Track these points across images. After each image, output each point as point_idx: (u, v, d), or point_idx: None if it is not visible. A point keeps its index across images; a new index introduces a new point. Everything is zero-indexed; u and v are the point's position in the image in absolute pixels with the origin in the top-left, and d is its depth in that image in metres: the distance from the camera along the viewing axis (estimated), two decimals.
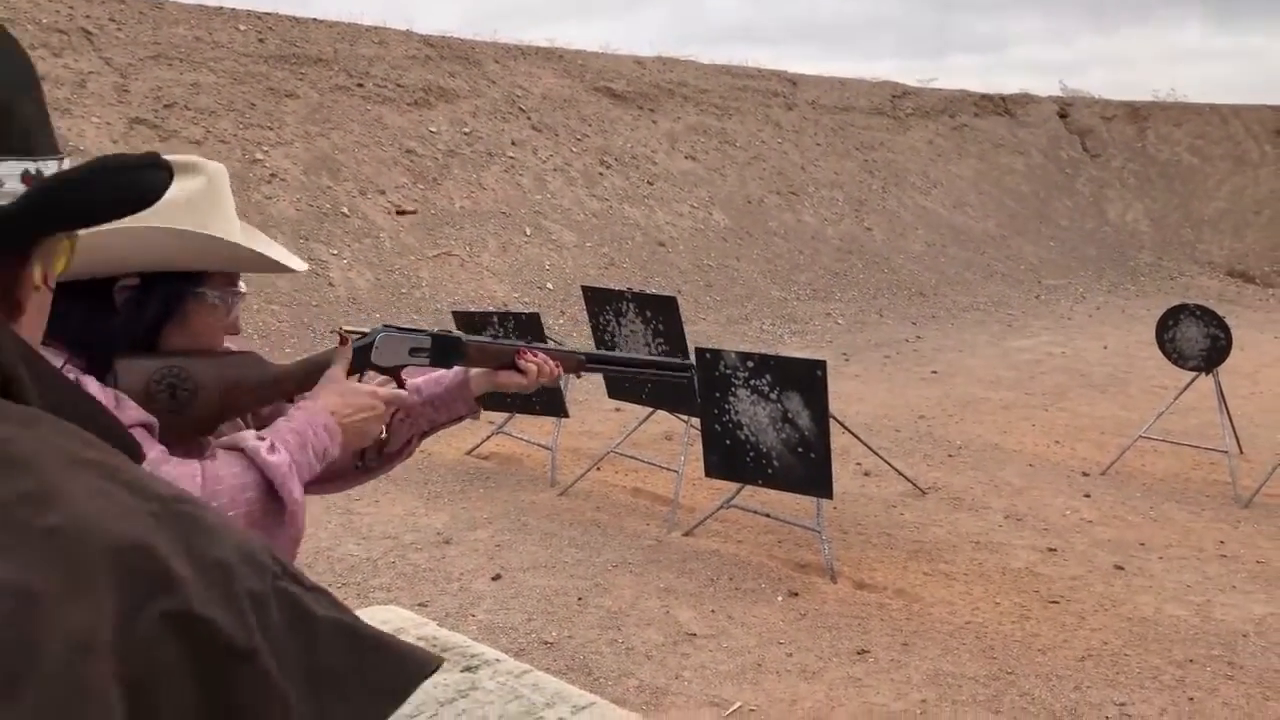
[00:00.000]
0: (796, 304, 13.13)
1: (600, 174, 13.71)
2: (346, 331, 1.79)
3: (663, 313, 5.77)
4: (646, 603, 4.87)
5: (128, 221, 1.23)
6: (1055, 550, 5.65)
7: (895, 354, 11.65)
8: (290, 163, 10.67)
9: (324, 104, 11.71)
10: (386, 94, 12.44)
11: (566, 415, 6.68)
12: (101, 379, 1.43)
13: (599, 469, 6.87)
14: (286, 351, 8.67)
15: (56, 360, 1.37)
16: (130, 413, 1.39)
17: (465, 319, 6.93)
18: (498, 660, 2.41)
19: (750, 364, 5.31)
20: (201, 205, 1.48)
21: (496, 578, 5.06)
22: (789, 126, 18.03)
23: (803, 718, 3.95)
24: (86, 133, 9.52)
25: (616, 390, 6.32)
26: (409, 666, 0.70)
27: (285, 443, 1.50)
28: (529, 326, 6.49)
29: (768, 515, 5.67)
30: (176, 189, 1.38)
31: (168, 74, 10.70)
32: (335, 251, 10.00)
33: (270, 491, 1.44)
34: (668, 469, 6.39)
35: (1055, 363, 11.35)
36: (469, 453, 7.16)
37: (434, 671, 0.72)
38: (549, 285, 11.25)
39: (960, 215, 18.55)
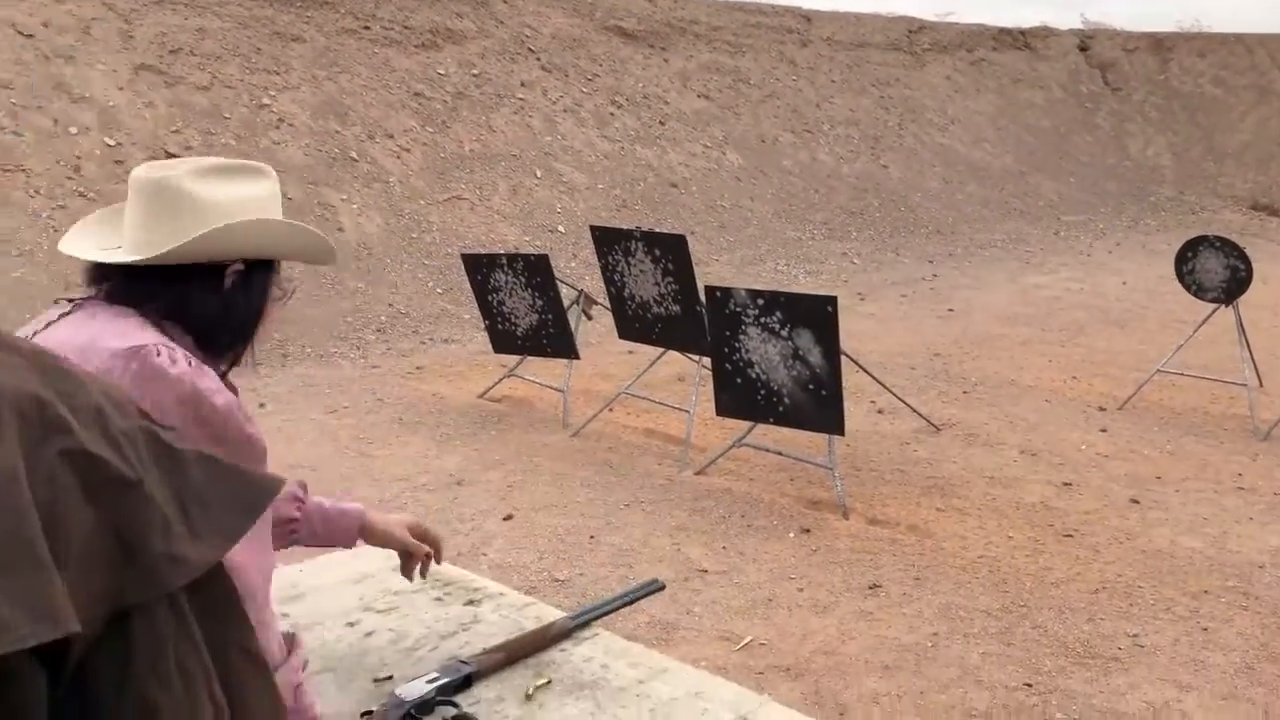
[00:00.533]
0: (811, 244, 13.01)
1: (611, 114, 13.55)
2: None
3: (672, 252, 5.71)
4: (658, 540, 4.87)
5: (254, 212, 1.54)
6: (1070, 485, 5.62)
7: (911, 292, 11.54)
8: (298, 108, 10.58)
9: (330, 47, 11.58)
10: (394, 36, 12.29)
11: (577, 357, 6.65)
12: (212, 358, 1.57)
13: (611, 410, 6.85)
14: (297, 297, 8.66)
15: (180, 344, 1.48)
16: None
17: (473, 261, 6.89)
18: (501, 594, 2.39)
19: (760, 302, 5.25)
20: (276, 202, 1.64)
21: (508, 518, 5.07)
22: (803, 64, 17.75)
23: (814, 650, 3.95)
24: (93, 80, 9.45)
25: (627, 331, 6.28)
26: (262, 486, 0.83)
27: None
28: (538, 268, 6.44)
29: (780, 453, 5.65)
30: (265, 188, 1.62)
31: (172, 19, 10.58)
32: (345, 196, 9.94)
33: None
34: (680, 409, 6.37)
35: (1073, 299, 11.23)
36: (481, 396, 7.15)
37: (279, 489, 0.85)
38: (560, 228, 11.17)
39: (978, 151, 18.29)
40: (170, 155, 9.22)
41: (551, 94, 13.16)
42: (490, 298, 6.79)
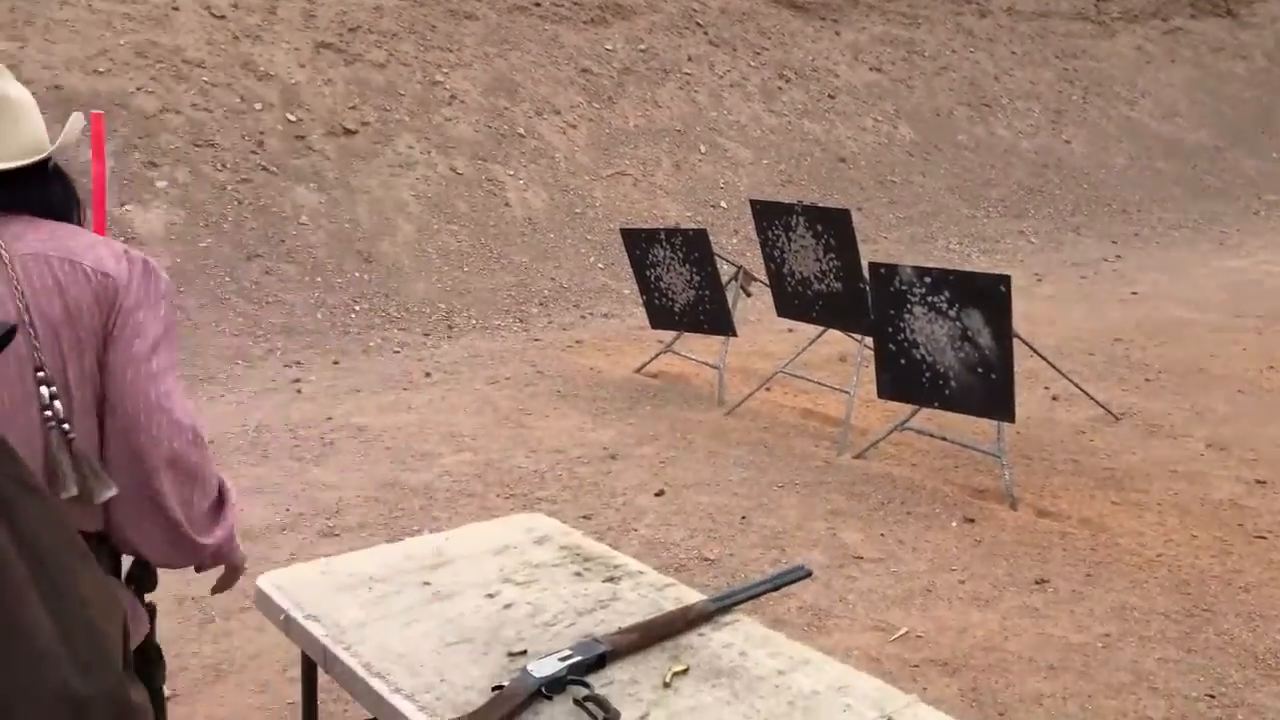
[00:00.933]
0: (986, 221, 12.51)
1: (779, 88, 13.31)
2: None
3: (834, 227, 5.54)
4: (812, 524, 4.74)
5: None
6: (1265, 483, 5.20)
7: (1093, 274, 10.96)
8: (469, 84, 10.77)
9: (502, 24, 11.74)
10: (563, 12, 12.37)
11: (734, 334, 6.55)
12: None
13: (768, 389, 6.72)
14: (464, 270, 8.83)
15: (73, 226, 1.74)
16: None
17: (632, 236, 6.85)
18: (640, 572, 2.33)
19: (928, 280, 5.03)
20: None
21: (660, 494, 5.02)
22: (982, 35, 17.03)
23: (973, 646, 3.76)
24: (276, 58, 9.83)
25: (786, 309, 6.14)
26: None
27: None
28: (696, 243, 6.36)
29: (944, 439, 5.42)
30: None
31: None
32: (512, 172, 10.07)
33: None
34: (839, 390, 6.19)
35: (1274, 283, 10.43)
36: (637, 371, 7.13)
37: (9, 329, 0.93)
38: (723, 204, 11.05)
39: (1170, 126, 17.20)
40: (348, 131, 9.53)
41: (718, 68, 13.02)
42: (648, 273, 6.75)
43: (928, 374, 5.16)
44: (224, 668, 3.51)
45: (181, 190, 8.26)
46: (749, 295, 6.92)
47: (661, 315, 6.86)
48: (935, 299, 5.00)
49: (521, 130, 10.63)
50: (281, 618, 2.15)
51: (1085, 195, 14.12)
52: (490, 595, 2.21)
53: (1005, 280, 4.85)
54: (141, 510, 1.64)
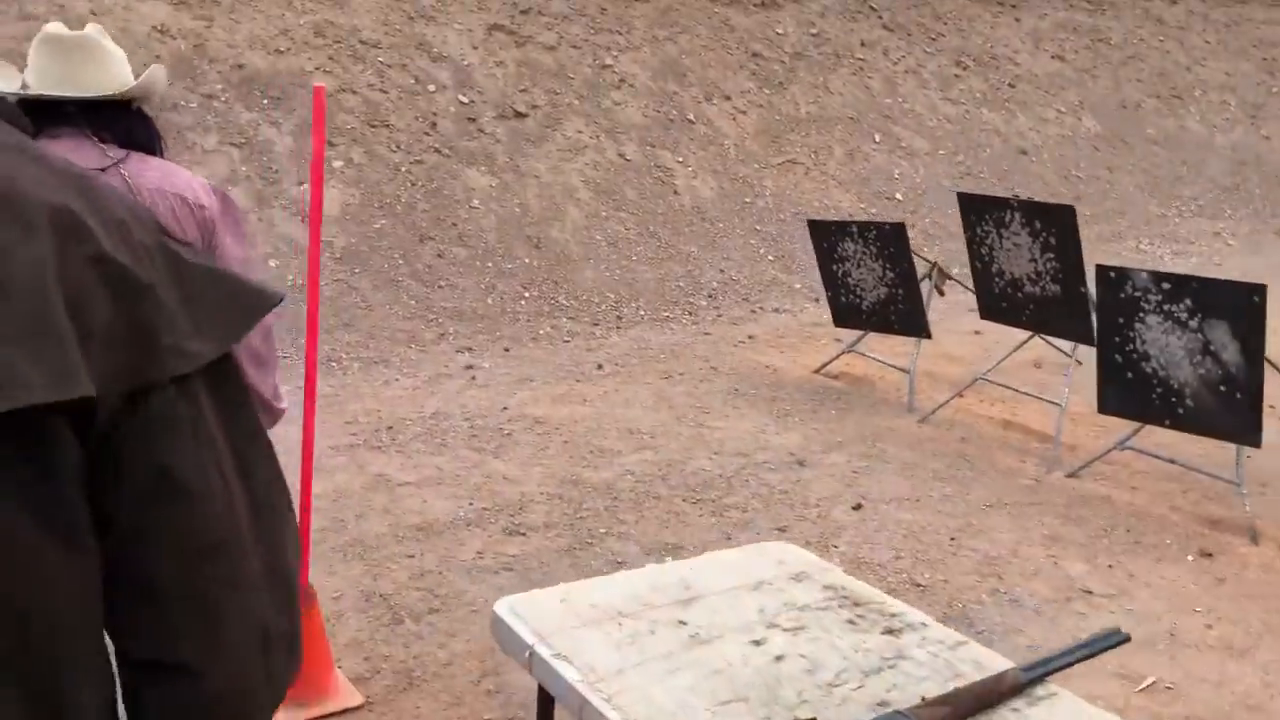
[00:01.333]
0: (1179, 221, 11.69)
1: (956, 76, 12.70)
2: None
3: (1056, 225, 5.08)
4: (1029, 550, 4.34)
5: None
6: None
7: None
8: (638, 68, 10.54)
9: (671, 7, 11.47)
10: None
11: (929, 335, 6.14)
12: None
13: (961, 396, 6.30)
14: (632, 259, 8.62)
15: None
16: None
17: (821, 228, 6.51)
18: (923, 625, 2.02)
19: (1166, 286, 4.55)
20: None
21: (857, 507, 4.68)
22: (1172, 22, 15.99)
23: (1234, 703, 3.34)
24: (449, 39, 9.78)
25: (992, 311, 5.70)
26: (260, 296, 0.96)
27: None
28: (892, 238, 5.98)
29: (1172, 461, 4.92)
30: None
31: None
32: (680, 159, 9.80)
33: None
34: (1046, 400, 5.73)
35: None
36: (817, 370, 6.78)
37: (278, 302, 0.96)
38: (898, 195, 10.56)
39: None
40: (519, 114, 9.42)
41: (893, 54, 12.49)
42: (835, 267, 6.39)
43: (1159, 390, 4.68)
44: (416, 674, 3.34)
45: (356, 170, 8.25)
46: (942, 294, 6.49)
47: (847, 313, 6.50)
48: (1173, 308, 4.52)
49: (690, 116, 10.35)
50: (526, 655, 1.91)
51: None
52: (756, 642, 1.93)
53: (1260, 290, 4.36)
54: None
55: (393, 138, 8.66)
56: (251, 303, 0.96)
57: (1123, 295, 4.69)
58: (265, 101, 8.37)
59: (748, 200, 9.74)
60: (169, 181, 2.08)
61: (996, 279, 5.53)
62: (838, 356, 6.73)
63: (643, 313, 8.04)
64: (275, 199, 7.77)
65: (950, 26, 13.52)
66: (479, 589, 3.86)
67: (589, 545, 4.23)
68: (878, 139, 11.22)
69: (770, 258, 9.16)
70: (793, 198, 10.01)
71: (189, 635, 0.90)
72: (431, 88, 9.25)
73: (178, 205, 2.05)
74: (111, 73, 2.10)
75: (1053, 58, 14.00)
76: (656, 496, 4.73)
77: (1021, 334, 5.98)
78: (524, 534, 4.33)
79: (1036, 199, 11.17)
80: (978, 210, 5.45)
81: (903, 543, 4.36)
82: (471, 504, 4.59)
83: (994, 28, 13.98)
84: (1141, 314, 4.63)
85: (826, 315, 8.25)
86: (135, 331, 0.84)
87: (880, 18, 12.98)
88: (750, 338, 7.60)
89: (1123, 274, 4.70)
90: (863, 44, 12.44)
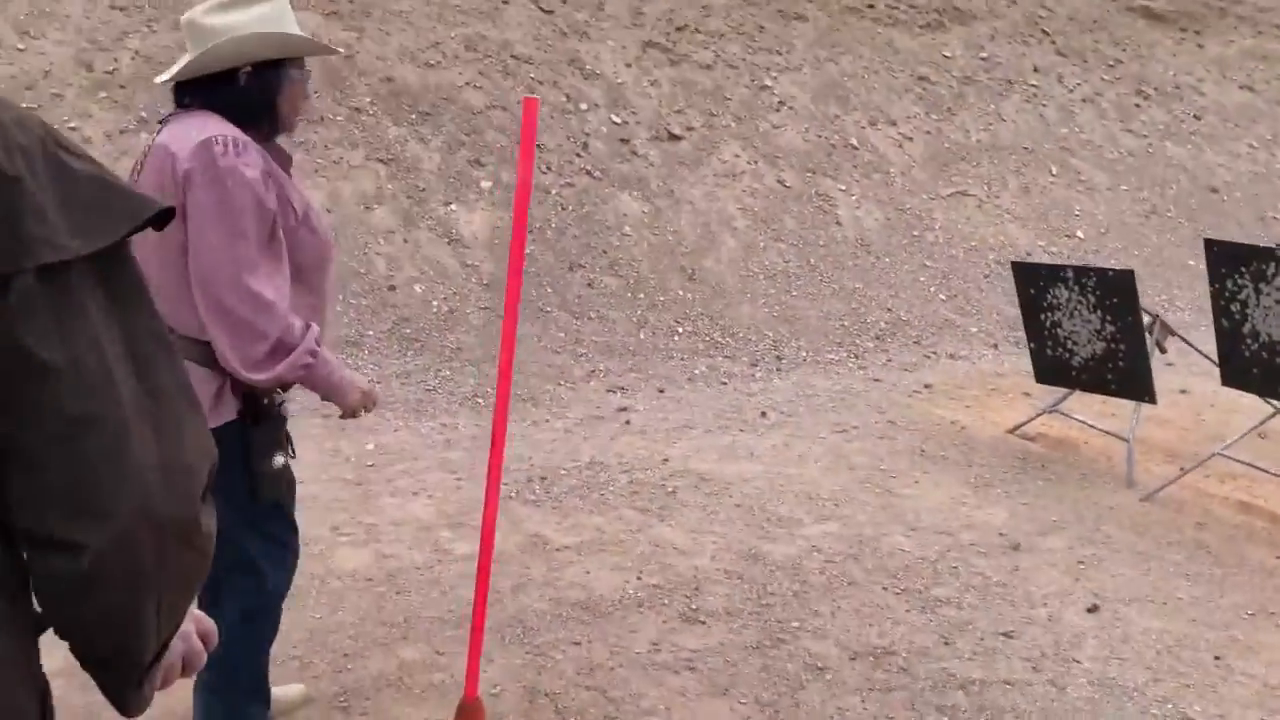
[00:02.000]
0: None
1: (1136, 106, 11.76)
2: None
3: None
4: None
5: (255, 28, 2.31)
6: None
7: None
8: (798, 89, 9.93)
9: (833, 26, 10.85)
10: (898, 15, 11.34)
11: (1153, 400, 5.36)
12: (253, 131, 2.33)
13: (1185, 471, 5.50)
14: (792, 294, 7.99)
15: (225, 128, 2.27)
16: (252, 165, 2.25)
17: (1028, 272, 5.78)
18: None
19: None
20: (282, 19, 2.37)
21: (1093, 609, 3.96)
22: None
23: None
24: (602, 56, 9.33)
25: (1238, 378, 4.90)
26: (140, 203, 1.04)
27: (326, 361, 2.37)
28: (1117, 287, 5.22)
29: None
30: (261, 10, 2.34)
31: None
32: (843, 187, 9.14)
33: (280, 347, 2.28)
34: None
35: None
36: (1012, 431, 6.04)
37: (158, 210, 1.05)
38: (1079, 234, 9.71)
39: None
40: (673, 136, 8.89)
41: (1068, 81, 11.62)
42: (1044, 316, 5.66)
43: None
44: None
45: (505, 192, 7.82)
46: (1164, 351, 5.70)
47: (1053, 368, 5.75)
48: None
49: (853, 141, 9.69)
50: None
51: None
52: None
53: None
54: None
55: (543, 158, 8.22)
56: (132, 207, 1.02)
57: None
58: (413, 116, 8.02)
59: (915, 234, 9.02)
60: (181, 135, 2.23)
61: (1248, 340, 4.74)
62: (1038, 416, 5.98)
63: (804, 354, 7.40)
64: (421, 219, 7.38)
65: (1129, 53, 12.58)
66: (659, 693, 3.28)
67: (780, 643, 3.61)
68: (1054, 171, 10.38)
69: (942, 297, 8.42)
70: (964, 231, 9.25)
71: (63, 507, 0.96)
72: (584, 106, 8.80)
73: (163, 158, 2.21)
74: (205, 52, 2.28)
75: (1241, 88, 12.92)
76: (851, 582, 4.08)
77: (1255, 402, 5.18)
78: (703, 622, 3.73)
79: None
80: (1233, 261, 4.67)
81: (1157, 660, 3.62)
82: (640, 578, 4.02)
83: (1175, 55, 12.98)
84: None
85: (1009, 364, 7.50)
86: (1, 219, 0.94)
87: (1054, 42, 12.13)
88: (927, 387, 6.89)
89: None
90: (1035, 69, 11.61)
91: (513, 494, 4.80)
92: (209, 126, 2.23)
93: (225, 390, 2.30)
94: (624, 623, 3.70)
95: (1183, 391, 6.90)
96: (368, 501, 4.66)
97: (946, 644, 3.64)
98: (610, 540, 4.35)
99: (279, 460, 2.44)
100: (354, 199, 7.27)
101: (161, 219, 1.05)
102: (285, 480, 2.50)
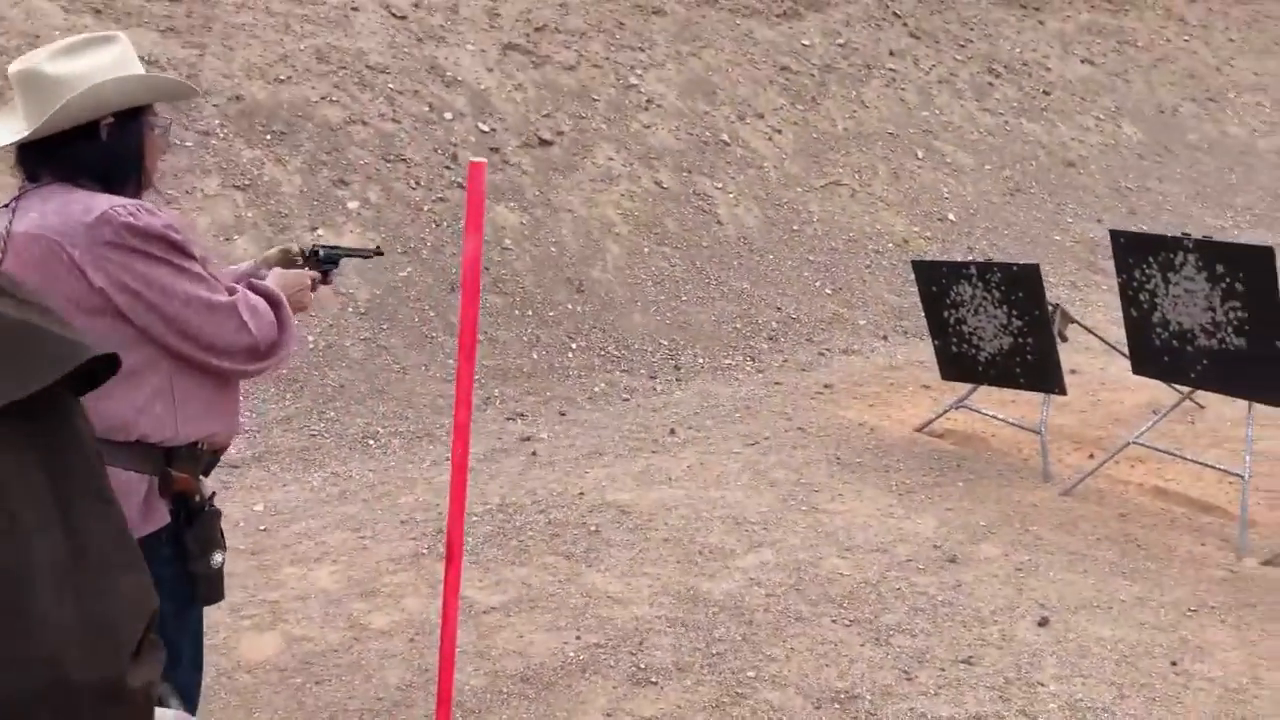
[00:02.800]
0: (1238, 234, 10.99)
1: (990, 84, 11.98)
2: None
3: (1244, 269, 4.31)
4: (1272, 675, 3.55)
5: (107, 76, 2.01)
6: None
7: None
8: (664, 86, 9.74)
9: (692, 19, 10.68)
10: (755, 5, 11.25)
11: (1063, 392, 5.36)
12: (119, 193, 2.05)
13: (1091, 456, 5.53)
14: (682, 299, 7.80)
15: (94, 193, 2.02)
16: (159, 216, 2.01)
17: (929, 270, 5.72)
18: None
19: None
20: (132, 63, 2.10)
21: (1044, 622, 3.88)
22: (1194, 20, 15.38)
23: None
24: (462, 60, 8.94)
25: (1149, 366, 4.92)
26: (72, 349, 0.97)
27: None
28: (1022, 281, 5.19)
29: None
30: (112, 54, 2.07)
31: None
32: (720, 185, 8.99)
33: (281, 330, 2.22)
34: (1224, 470, 4.94)
35: None
36: (920, 429, 5.99)
37: (86, 357, 0.97)
38: (950, 216, 9.81)
39: None
40: (544, 142, 8.58)
41: (923, 63, 11.75)
42: (947, 313, 5.60)
43: None
44: None
45: (374, 211, 7.39)
46: (1065, 340, 5.72)
47: (959, 364, 5.70)
48: None
49: (724, 137, 9.55)
50: None
51: None
52: None
53: None
54: None
55: (410, 173, 7.81)
56: (63, 353, 0.98)
57: None
58: (268, 137, 7.50)
59: (795, 228, 8.95)
60: (47, 223, 1.95)
61: (1158, 330, 4.75)
62: (945, 412, 5.93)
63: (701, 360, 7.22)
64: None
65: (977, 32, 12.82)
66: None
67: (740, 697, 3.40)
68: (920, 155, 10.47)
69: (828, 291, 8.36)
70: (841, 223, 9.23)
71: None
72: (448, 115, 8.41)
73: (45, 250, 1.94)
74: (65, 105, 1.98)
75: (1083, 62, 13.33)
76: (799, 618, 3.90)
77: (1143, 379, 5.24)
78: (654, 682, 3.49)
79: (1093, 216, 10.46)
80: (1140, 251, 4.66)
81: (1119, 672, 3.55)
82: (579, 637, 3.75)
83: (1020, 32, 13.29)
84: None
85: (901, 355, 7.49)
86: None
87: (905, 25, 12.26)
88: (827, 387, 6.80)
89: None
90: (891, 53, 11.71)
91: (424, 550, 4.47)
92: (93, 201, 1.97)
93: (153, 493, 2.08)
94: (570, 693, 3.43)
95: (1072, 371, 6.98)
96: (266, 574, 4.26)
97: (909, 679, 3.50)
98: (539, 595, 4.06)
99: (218, 559, 2.23)
100: (212, 230, 6.74)
101: (107, 363, 1.01)
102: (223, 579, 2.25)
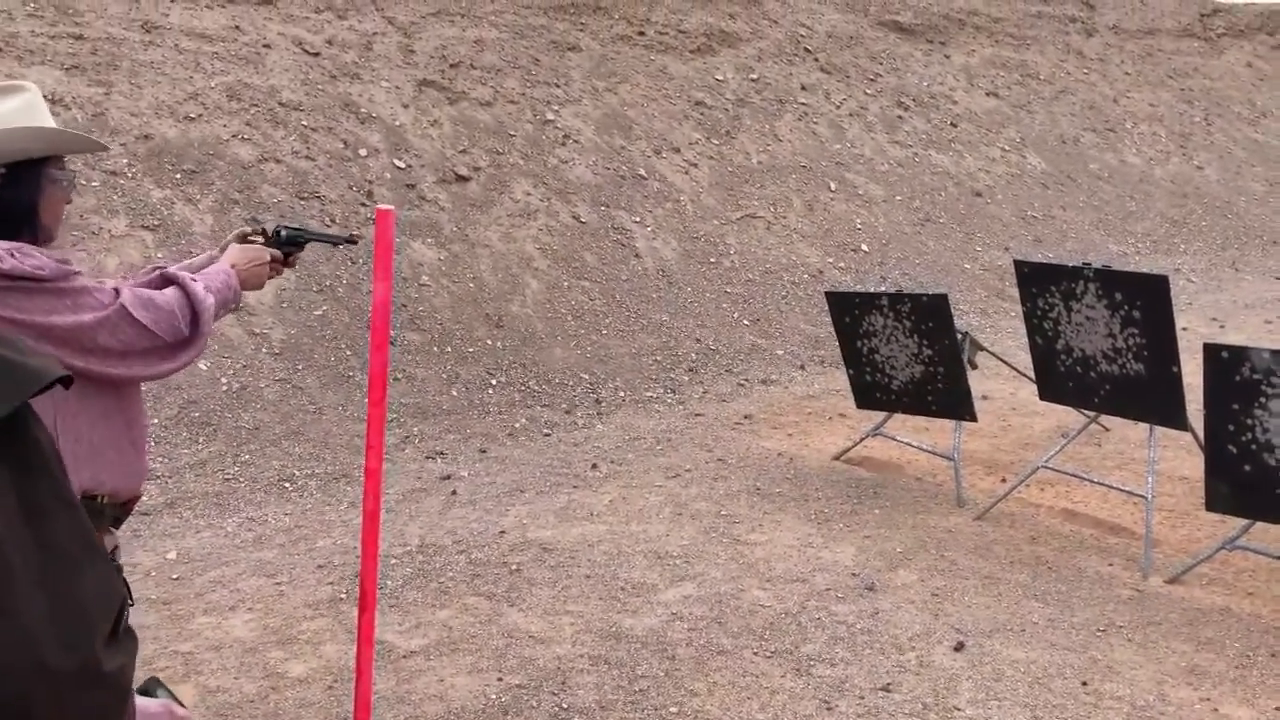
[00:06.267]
0: (1138, 259, 11.39)
1: (899, 118, 12.29)
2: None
3: (1142, 297, 4.47)
4: (1176, 692, 3.66)
5: (11, 124, 2.01)
6: None
7: (1275, 317, 9.82)
8: (581, 122, 9.81)
9: (606, 55, 10.79)
10: (669, 41, 11.41)
11: (973, 418, 5.48)
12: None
13: (1004, 481, 5.66)
14: (602, 333, 7.83)
15: None
16: (34, 258, 1.95)
17: (842, 301, 5.82)
18: None
19: None
20: (36, 112, 2.08)
21: (959, 647, 3.95)
22: (1092, 54, 15.98)
23: None
24: (377, 97, 8.91)
25: (1054, 392, 5.06)
26: (35, 373, 1.08)
27: (214, 289, 2.25)
28: (932, 311, 5.31)
29: None
30: (15, 103, 2.05)
31: (450, 31, 10.01)
32: (638, 218, 9.07)
33: (194, 321, 2.16)
34: (1128, 492, 5.09)
35: None
36: (837, 458, 6.08)
37: (51, 379, 1.09)
38: (864, 247, 10.00)
39: None
40: (461, 178, 8.58)
41: (834, 97, 12.01)
42: (860, 343, 5.71)
43: None
44: None
45: None
46: (975, 368, 5.86)
47: (873, 393, 5.81)
48: None
49: (641, 171, 9.64)
50: None
51: (1232, 226, 12.99)
52: None
53: None
54: None
55: (326, 210, 7.74)
56: (28, 376, 1.07)
57: (1238, 378, 4.08)
58: (178, 176, 7.38)
59: (713, 260, 9.05)
60: None
61: (1062, 356, 4.90)
62: (861, 440, 6.03)
63: (623, 394, 7.24)
64: None
65: (885, 66, 13.15)
66: None
67: None
68: (833, 187, 10.67)
69: (746, 322, 8.46)
70: (758, 254, 9.35)
71: None
72: (363, 152, 8.36)
73: None
74: None
75: (987, 94, 13.75)
76: (721, 651, 3.92)
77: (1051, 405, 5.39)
78: None
79: (1000, 244, 10.75)
80: (1042, 280, 4.81)
81: (1032, 694, 3.63)
82: (501, 679, 3.73)
83: (927, 66, 13.67)
84: (1263, 400, 4.03)
85: (819, 385, 7.60)
86: None
87: (816, 60, 12.53)
88: (747, 418, 6.87)
89: (1238, 354, 4.10)
90: (803, 88, 11.95)
91: (342, 595, 4.40)
92: None
93: None
94: None
95: (984, 398, 7.15)
96: (179, 624, 4.15)
97: (829, 709, 3.53)
98: (460, 637, 4.03)
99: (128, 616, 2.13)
100: (120, 272, 6.59)
101: (66, 382, 1.11)
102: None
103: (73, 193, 2.24)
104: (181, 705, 1.41)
